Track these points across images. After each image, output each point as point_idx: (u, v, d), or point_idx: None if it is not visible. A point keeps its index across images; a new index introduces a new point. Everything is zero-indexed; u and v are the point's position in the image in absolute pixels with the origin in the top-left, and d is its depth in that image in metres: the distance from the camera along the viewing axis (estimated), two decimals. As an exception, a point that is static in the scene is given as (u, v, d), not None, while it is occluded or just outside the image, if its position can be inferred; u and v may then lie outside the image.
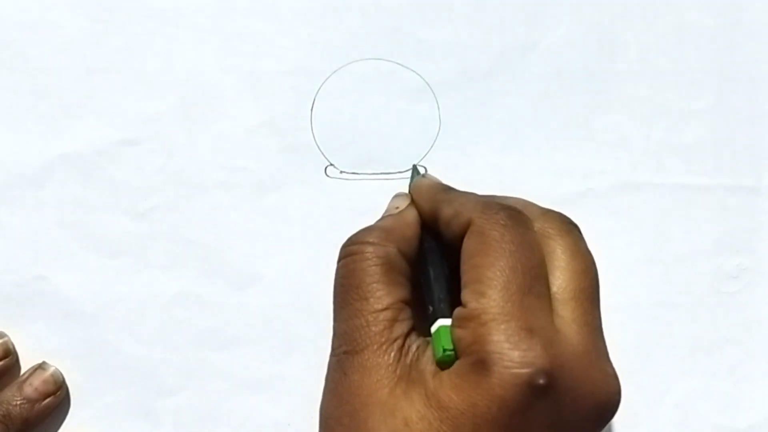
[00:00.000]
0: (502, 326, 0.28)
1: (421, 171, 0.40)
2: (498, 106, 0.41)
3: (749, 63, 0.42)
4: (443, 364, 0.30)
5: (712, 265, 0.41)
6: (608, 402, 0.30)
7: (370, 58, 0.41)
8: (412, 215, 0.35)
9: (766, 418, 0.41)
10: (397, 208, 0.36)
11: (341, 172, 0.41)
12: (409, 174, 0.40)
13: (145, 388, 0.41)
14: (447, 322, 0.31)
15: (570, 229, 0.32)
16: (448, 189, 0.35)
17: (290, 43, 0.41)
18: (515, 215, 0.31)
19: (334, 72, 0.41)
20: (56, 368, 0.40)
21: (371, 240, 0.32)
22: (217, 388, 0.41)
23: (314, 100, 0.41)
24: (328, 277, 0.40)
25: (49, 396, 0.40)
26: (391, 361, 0.30)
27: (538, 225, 0.32)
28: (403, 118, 0.41)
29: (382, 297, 0.31)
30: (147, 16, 0.41)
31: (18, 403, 0.39)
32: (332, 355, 0.32)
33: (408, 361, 0.30)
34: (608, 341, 0.37)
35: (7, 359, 0.40)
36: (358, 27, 0.41)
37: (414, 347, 0.31)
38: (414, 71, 0.41)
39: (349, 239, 0.33)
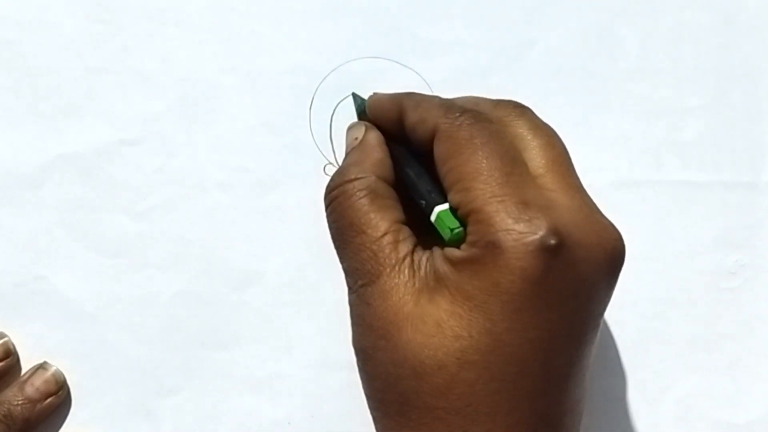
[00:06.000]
0: (500, 206, 0.30)
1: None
2: (496, 104, 0.41)
3: (747, 61, 0.42)
4: (455, 243, 0.31)
5: (711, 261, 0.41)
6: (615, 248, 0.31)
7: (368, 57, 0.41)
8: (374, 139, 0.36)
9: (765, 414, 0.41)
10: (357, 138, 0.37)
11: (340, 171, 0.41)
12: None
13: (145, 388, 0.41)
14: (443, 207, 0.32)
15: (523, 110, 0.34)
16: (411, 93, 0.36)
17: (289, 43, 0.41)
18: (476, 114, 0.32)
19: (333, 71, 0.41)
20: (57, 368, 0.40)
21: (350, 177, 0.34)
22: (217, 387, 0.41)
23: (313, 99, 0.41)
24: (328, 276, 0.40)
25: (50, 396, 0.40)
26: (406, 278, 0.31)
27: (494, 116, 0.33)
28: (402, 117, 0.41)
29: (377, 225, 0.33)
30: (146, 17, 0.41)
31: (19, 403, 0.39)
32: (351, 292, 0.33)
33: (422, 273, 0.31)
34: (608, 338, 0.37)
35: (7, 359, 0.40)
36: (357, 26, 0.41)
37: (424, 259, 0.32)
38: (413, 69, 0.41)
39: (328, 185, 0.35)
